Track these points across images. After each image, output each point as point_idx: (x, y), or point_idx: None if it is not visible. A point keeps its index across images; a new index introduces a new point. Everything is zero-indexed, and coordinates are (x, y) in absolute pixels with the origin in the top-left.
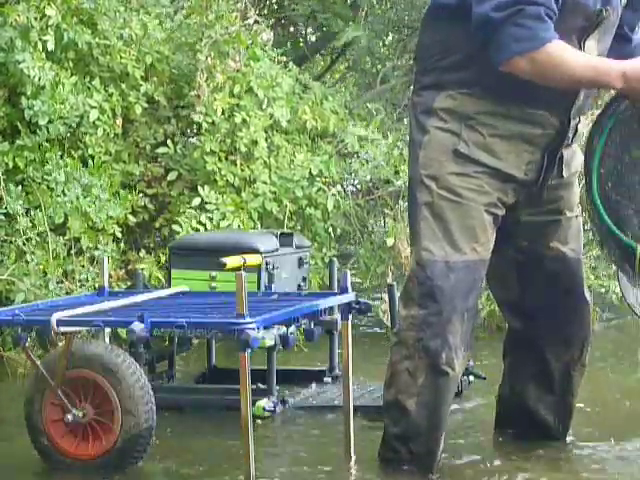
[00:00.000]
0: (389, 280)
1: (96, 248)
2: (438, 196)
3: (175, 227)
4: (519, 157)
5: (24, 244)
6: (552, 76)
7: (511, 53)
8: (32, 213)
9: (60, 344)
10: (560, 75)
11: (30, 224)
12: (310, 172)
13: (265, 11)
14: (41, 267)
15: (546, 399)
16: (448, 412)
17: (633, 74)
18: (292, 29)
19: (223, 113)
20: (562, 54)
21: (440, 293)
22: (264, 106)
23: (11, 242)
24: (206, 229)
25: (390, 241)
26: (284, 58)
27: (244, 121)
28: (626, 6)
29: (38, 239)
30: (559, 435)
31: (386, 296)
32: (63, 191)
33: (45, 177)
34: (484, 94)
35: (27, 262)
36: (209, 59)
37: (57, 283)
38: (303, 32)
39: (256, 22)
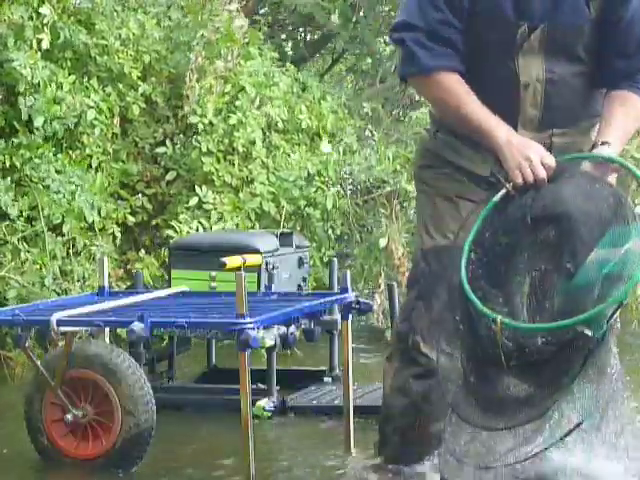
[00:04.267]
0: (381, 280)
1: (92, 245)
2: (417, 190)
3: (169, 232)
4: (485, 160)
5: (19, 242)
6: (440, 106)
7: (404, 73)
8: (28, 212)
9: (60, 344)
10: (447, 108)
11: (26, 223)
12: (308, 172)
13: (263, 10)
14: (37, 266)
15: None
16: (422, 400)
17: (519, 144)
18: (290, 29)
19: (220, 113)
20: (449, 88)
21: (411, 279)
22: (256, 104)
23: (6, 241)
24: (205, 229)
25: (383, 242)
26: (276, 55)
27: (240, 122)
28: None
29: (34, 238)
30: None
31: (378, 297)
32: (59, 190)
33: (42, 176)
34: None
35: (23, 262)
36: (199, 59)
37: (53, 280)
38: (302, 34)
39: (237, 10)
